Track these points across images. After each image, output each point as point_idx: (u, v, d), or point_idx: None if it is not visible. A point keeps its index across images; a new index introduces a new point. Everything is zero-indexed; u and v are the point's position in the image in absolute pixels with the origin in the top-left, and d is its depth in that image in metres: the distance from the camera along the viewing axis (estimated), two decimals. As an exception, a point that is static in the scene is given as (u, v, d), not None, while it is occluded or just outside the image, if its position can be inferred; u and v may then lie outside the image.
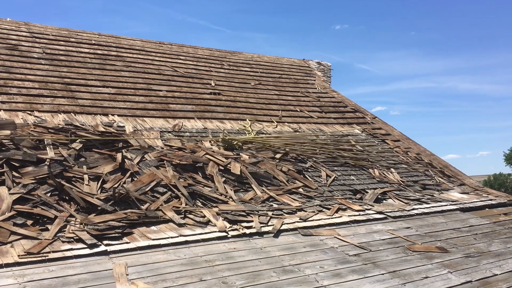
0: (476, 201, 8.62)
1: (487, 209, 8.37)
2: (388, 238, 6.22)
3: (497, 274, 5.39)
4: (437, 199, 8.37)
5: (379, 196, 7.88)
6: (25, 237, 4.68)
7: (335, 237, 5.97)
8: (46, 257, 4.37)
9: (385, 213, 7.13)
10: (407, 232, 6.53)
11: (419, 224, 7.00)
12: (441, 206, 8.00)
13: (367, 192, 7.97)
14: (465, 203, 8.40)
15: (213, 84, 10.66)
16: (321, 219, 6.46)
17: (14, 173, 5.61)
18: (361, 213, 6.98)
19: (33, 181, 5.54)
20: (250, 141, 8.60)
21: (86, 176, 5.99)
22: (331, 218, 6.57)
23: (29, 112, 7.39)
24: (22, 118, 7.12)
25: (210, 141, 8.14)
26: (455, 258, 5.79)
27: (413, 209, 7.58)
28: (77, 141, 6.68)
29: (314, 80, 13.20)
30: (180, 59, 11.29)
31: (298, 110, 11.03)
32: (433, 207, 7.88)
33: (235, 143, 8.20)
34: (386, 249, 5.80)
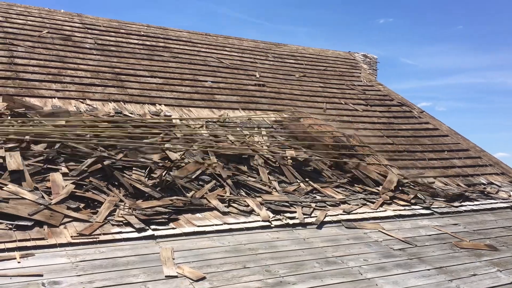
0: (529, 200, 8.27)
1: (540, 208, 8.01)
2: (435, 234, 6.08)
3: (550, 275, 5.17)
4: (487, 196, 8.10)
5: (426, 192, 7.69)
6: (77, 219, 4.88)
7: (379, 230, 5.89)
8: (97, 239, 4.54)
9: (432, 208, 6.97)
10: (454, 229, 6.37)
11: (467, 221, 6.80)
12: (491, 203, 7.74)
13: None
14: (517, 201, 8.08)
15: (258, 76, 10.69)
16: (365, 212, 6.39)
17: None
18: (407, 208, 6.85)
19: (85, 168, 5.76)
20: None
21: (134, 164, 6.17)
22: (376, 211, 6.49)
23: (82, 100, 7.67)
24: (75, 106, 7.39)
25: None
26: (505, 256, 5.59)
27: (461, 205, 7.36)
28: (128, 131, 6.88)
29: (360, 73, 13.00)
30: (226, 50, 11.38)
31: (343, 102, 10.89)
32: (482, 204, 7.63)
33: None
34: (432, 245, 5.68)
